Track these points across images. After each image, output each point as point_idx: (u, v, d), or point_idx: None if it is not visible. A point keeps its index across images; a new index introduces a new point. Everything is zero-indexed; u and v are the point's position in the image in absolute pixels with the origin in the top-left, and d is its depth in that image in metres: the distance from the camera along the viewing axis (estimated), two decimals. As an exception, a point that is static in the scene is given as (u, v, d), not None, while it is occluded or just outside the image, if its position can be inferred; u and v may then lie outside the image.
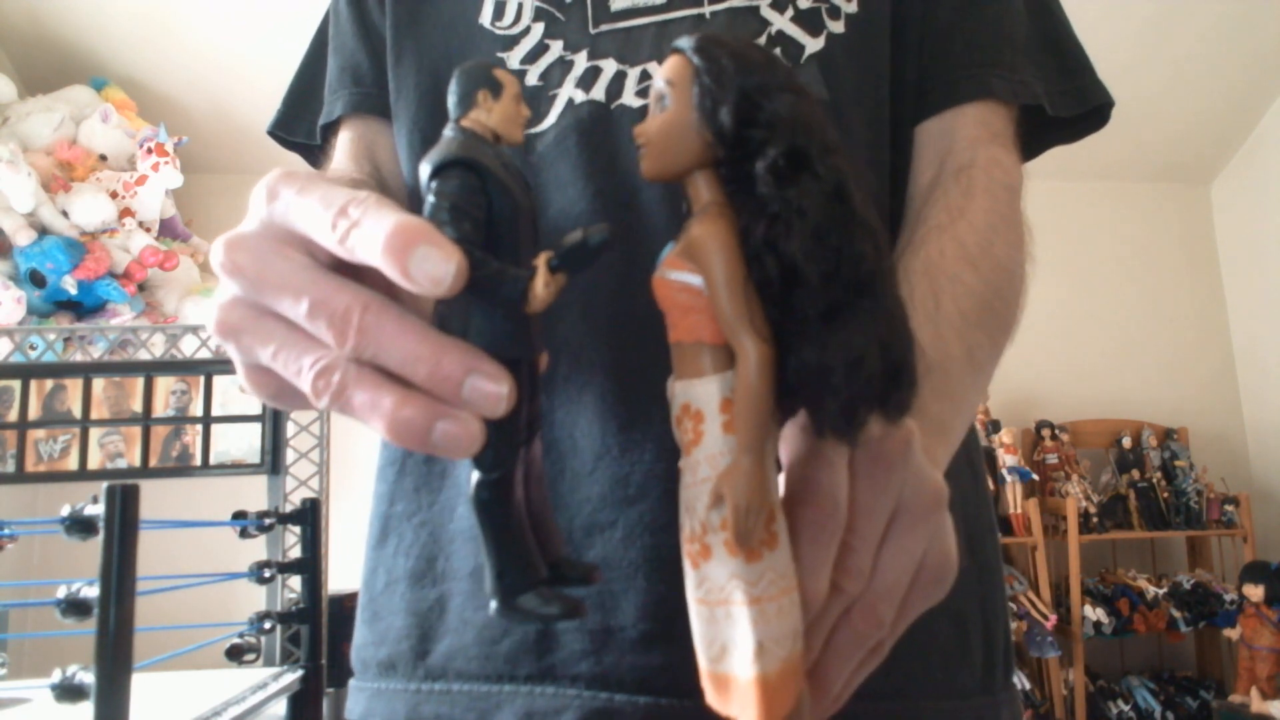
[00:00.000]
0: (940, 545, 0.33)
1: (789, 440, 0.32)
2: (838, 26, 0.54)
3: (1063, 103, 0.59)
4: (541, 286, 0.27)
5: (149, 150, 2.29)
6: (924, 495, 0.33)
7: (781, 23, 0.54)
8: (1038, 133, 0.60)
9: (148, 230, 2.36)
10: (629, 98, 0.52)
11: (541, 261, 0.27)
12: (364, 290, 0.28)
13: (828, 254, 0.27)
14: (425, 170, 0.28)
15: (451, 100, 0.30)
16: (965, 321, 0.44)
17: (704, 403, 0.29)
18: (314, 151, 0.70)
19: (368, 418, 0.27)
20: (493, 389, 0.26)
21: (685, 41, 0.30)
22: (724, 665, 0.28)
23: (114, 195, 2.27)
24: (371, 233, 0.26)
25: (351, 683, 0.56)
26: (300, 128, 0.70)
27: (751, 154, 0.28)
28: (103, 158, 2.33)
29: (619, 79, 0.53)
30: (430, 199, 0.28)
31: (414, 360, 0.26)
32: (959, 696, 0.50)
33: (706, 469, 0.28)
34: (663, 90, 0.30)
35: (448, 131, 0.29)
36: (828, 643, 0.32)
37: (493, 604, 0.29)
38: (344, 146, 0.64)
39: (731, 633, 0.28)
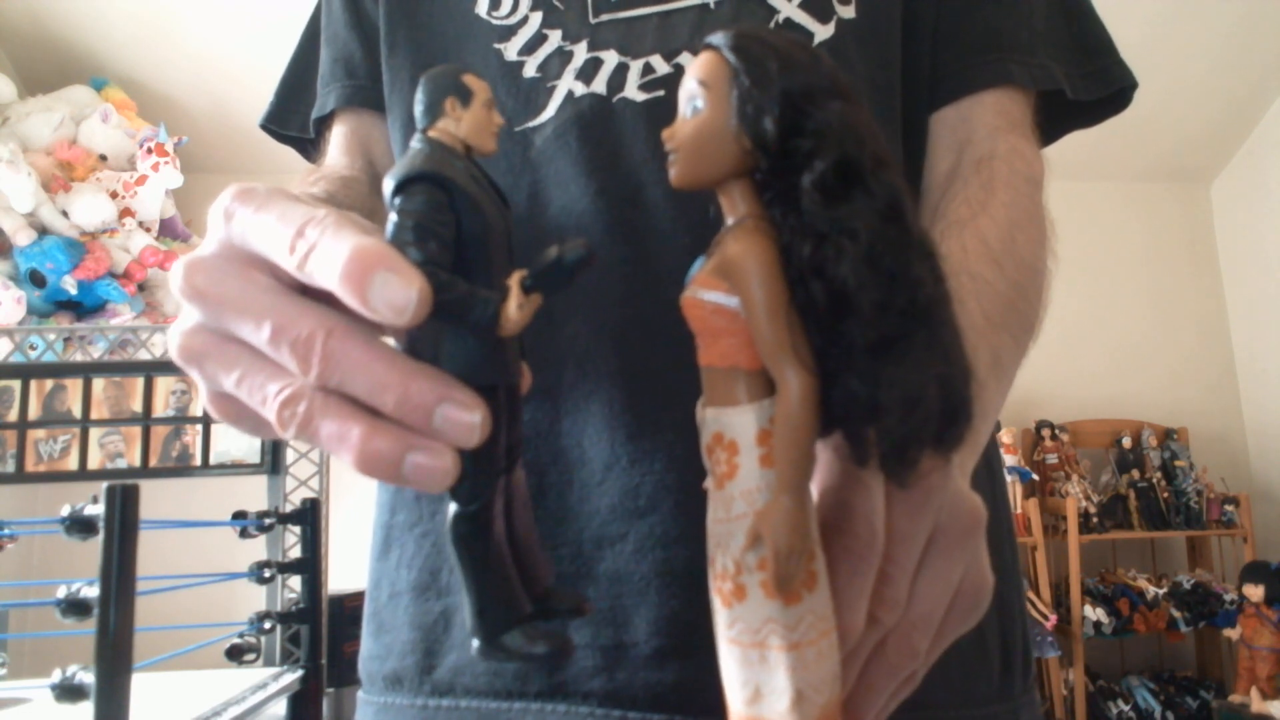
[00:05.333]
0: (977, 569, 0.32)
1: (822, 462, 0.30)
2: (848, 11, 0.52)
3: (1083, 86, 0.57)
4: (515, 309, 0.25)
5: (149, 150, 2.29)
6: (962, 518, 0.31)
7: (789, 10, 0.52)
8: (1056, 116, 0.58)
9: (148, 230, 2.36)
10: (631, 91, 0.50)
11: (514, 281, 0.26)
12: (329, 313, 0.26)
13: (881, 280, 0.25)
14: (389, 186, 0.26)
15: (418, 110, 0.28)
16: (989, 323, 0.42)
17: (739, 433, 0.27)
18: (307, 145, 0.69)
19: (335, 449, 0.25)
20: (465, 418, 0.25)
21: (719, 38, 0.27)
22: (758, 709, 0.27)
23: (114, 195, 2.27)
24: (329, 258, 0.25)
25: (359, 694, 0.56)
26: (293, 121, 0.69)
27: (796, 165, 0.26)
28: (103, 158, 2.33)
29: (621, 71, 0.51)
30: (393, 217, 0.26)
31: (381, 388, 0.25)
32: (977, 704, 0.49)
33: (742, 505, 0.26)
34: (695, 91, 0.27)
35: (414, 143, 0.27)
36: (861, 675, 0.30)
37: (474, 643, 0.27)
38: (338, 141, 0.62)
39: (767, 677, 0.26)
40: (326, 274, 0.25)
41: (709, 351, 0.28)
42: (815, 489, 0.30)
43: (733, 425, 0.27)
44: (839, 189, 0.25)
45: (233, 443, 1.49)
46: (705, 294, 0.27)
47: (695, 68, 0.27)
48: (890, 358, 0.25)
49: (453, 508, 0.27)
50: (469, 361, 0.26)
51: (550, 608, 0.30)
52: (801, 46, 0.27)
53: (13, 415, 1.44)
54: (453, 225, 0.26)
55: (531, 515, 0.31)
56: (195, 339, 0.28)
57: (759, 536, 0.26)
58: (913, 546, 0.30)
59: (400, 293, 0.24)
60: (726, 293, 0.26)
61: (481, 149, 0.28)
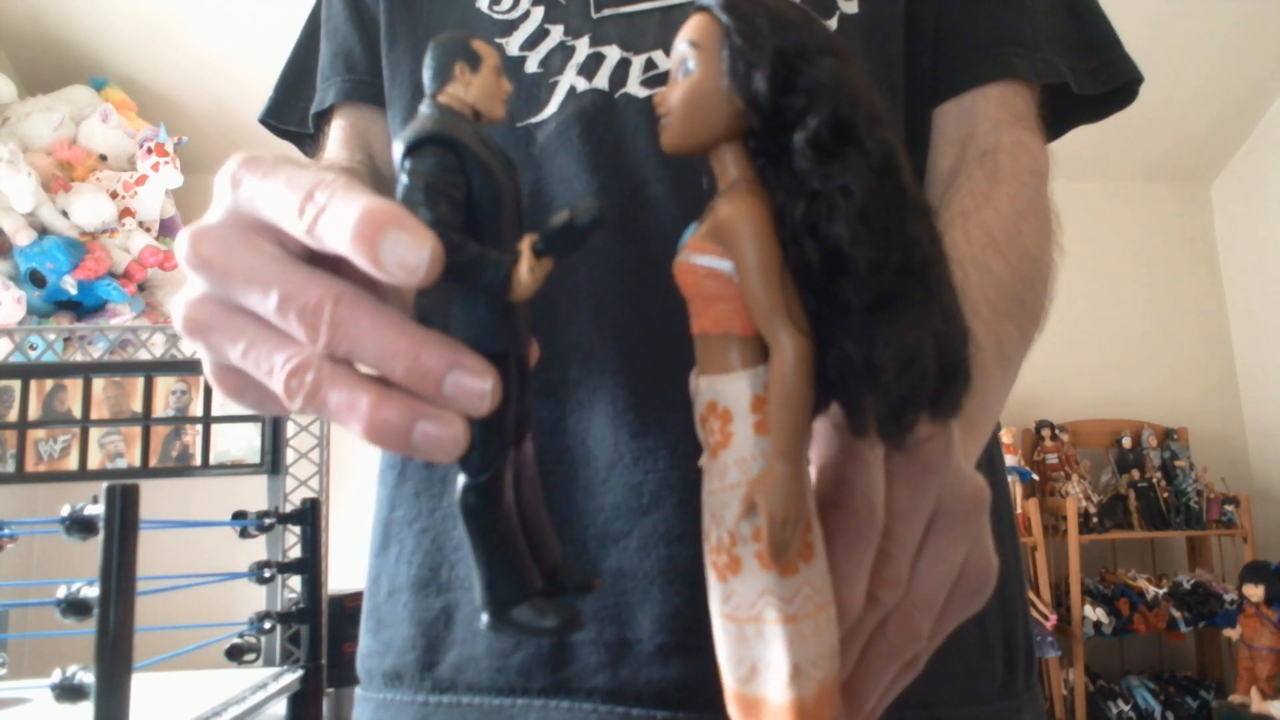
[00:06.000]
0: (980, 551, 0.31)
1: (819, 437, 0.29)
2: (851, 6, 0.52)
3: (1088, 80, 0.56)
4: (526, 272, 0.25)
5: (149, 150, 2.29)
6: (964, 498, 0.31)
7: None
8: (1062, 111, 0.58)
9: (148, 230, 2.36)
10: (633, 86, 0.50)
11: (525, 245, 0.25)
12: (338, 281, 0.26)
13: (877, 238, 0.24)
14: (398, 149, 0.26)
15: (427, 75, 0.27)
16: (994, 313, 0.42)
17: (733, 401, 0.26)
18: (306, 140, 0.69)
19: (344, 419, 0.25)
20: (476, 385, 0.24)
21: None
22: (754, 686, 0.26)
23: (114, 195, 2.27)
24: (339, 219, 0.24)
25: (357, 691, 0.55)
26: (292, 115, 0.69)
27: (789, 125, 0.25)
28: (103, 158, 2.33)
29: (623, 66, 0.51)
30: (404, 179, 0.25)
31: (391, 355, 0.25)
32: (980, 702, 0.49)
33: (736, 474, 0.26)
34: (686, 53, 0.26)
35: (423, 108, 0.27)
36: (861, 657, 0.30)
37: (484, 617, 0.27)
38: (337, 134, 0.62)
39: (763, 653, 0.26)
40: (337, 235, 0.24)
41: (702, 318, 0.27)
42: (813, 465, 0.29)
43: (726, 393, 0.26)
44: (832, 146, 0.25)
45: (233, 443, 1.49)
46: (698, 258, 0.26)
47: (686, 29, 0.27)
48: (886, 317, 0.24)
49: (462, 479, 0.27)
50: (479, 329, 0.26)
51: (559, 583, 0.29)
52: (793, 5, 0.27)
53: (13, 415, 1.44)
54: (463, 187, 0.25)
55: (539, 489, 0.30)
56: (201, 309, 0.28)
57: (754, 504, 0.25)
58: (913, 524, 0.29)
59: (412, 252, 0.23)
60: (719, 256, 0.26)
61: (490, 114, 0.27)
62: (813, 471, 0.29)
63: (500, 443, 0.27)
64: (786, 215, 0.25)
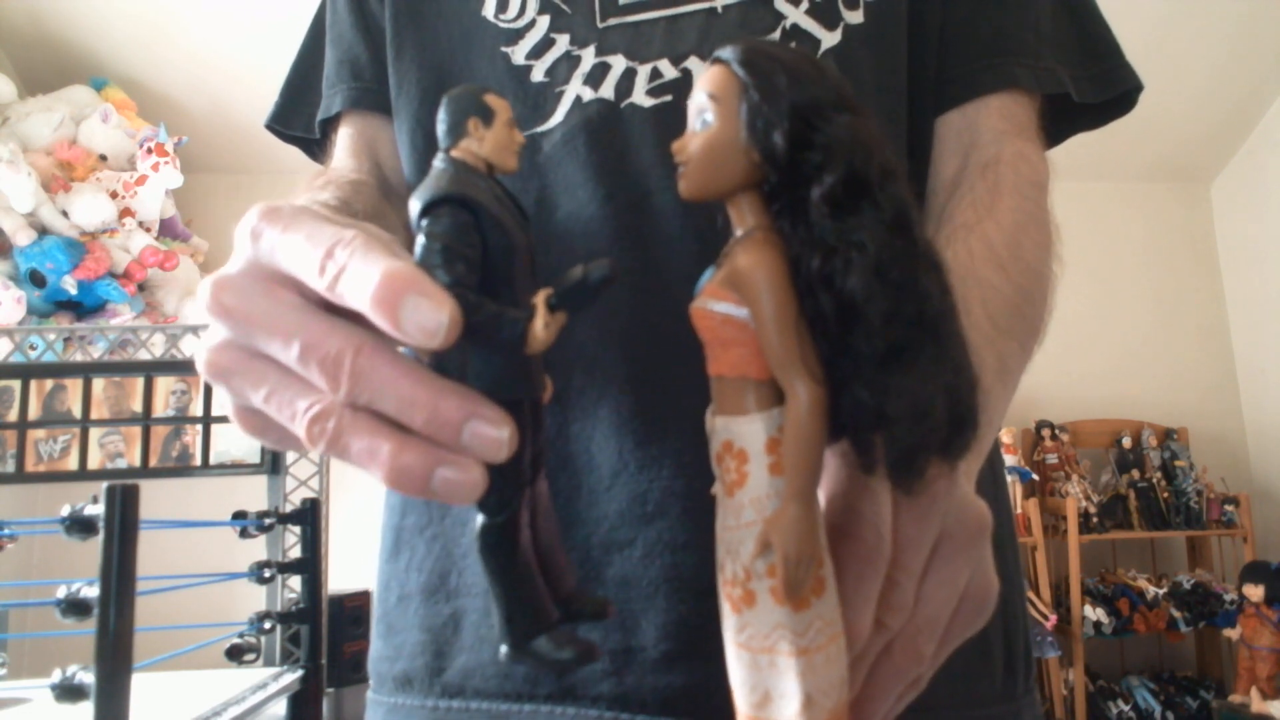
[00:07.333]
0: (982, 574, 0.32)
1: (828, 467, 0.30)
2: (855, 17, 0.52)
3: (1089, 89, 0.57)
4: (541, 327, 0.26)
5: (149, 150, 2.29)
6: (968, 523, 0.31)
7: (796, 16, 0.52)
8: (1062, 118, 0.58)
9: (148, 230, 2.36)
10: (639, 96, 0.50)
11: (540, 300, 0.26)
12: (357, 331, 0.26)
13: (889, 292, 0.25)
14: (415, 207, 0.27)
15: (440, 129, 0.28)
16: (995, 328, 0.43)
17: (748, 442, 0.27)
18: (312, 144, 0.69)
19: (365, 465, 0.26)
20: (493, 434, 0.25)
21: (728, 52, 0.27)
22: (767, 713, 0.27)
23: (114, 195, 2.27)
24: (360, 281, 0.25)
25: (369, 695, 0.56)
26: (298, 121, 0.69)
27: (805, 178, 0.26)
28: (103, 158, 2.33)
29: (629, 76, 0.51)
30: (421, 240, 0.26)
31: (410, 405, 0.25)
32: (980, 705, 0.49)
33: (751, 513, 0.27)
34: (704, 104, 0.28)
35: (438, 163, 0.28)
36: (868, 678, 0.31)
37: (503, 649, 0.28)
38: (344, 143, 0.62)
39: (776, 682, 0.27)
40: (358, 296, 0.25)
41: (718, 361, 0.28)
42: (823, 494, 0.30)
43: (742, 434, 0.27)
44: (847, 202, 0.26)
45: (233, 443, 1.49)
46: (715, 305, 0.27)
47: (704, 81, 0.28)
48: (898, 368, 0.25)
49: (480, 519, 0.28)
50: (495, 378, 0.27)
51: (573, 611, 0.30)
52: (809, 59, 0.27)
53: (13, 415, 1.44)
54: (479, 246, 0.26)
55: (555, 523, 0.31)
56: (223, 355, 0.29)
57: (768, 544, 0.26)
58: (919, 552, 0.30)
59: (431, 316, 0.24)
60: (736, 304, 0.27)
61: (503, 167, 0.28)
62: (822, 498, 0.30)
63: (517, 484, 0.28)
64: (802, 267, 0.26)
